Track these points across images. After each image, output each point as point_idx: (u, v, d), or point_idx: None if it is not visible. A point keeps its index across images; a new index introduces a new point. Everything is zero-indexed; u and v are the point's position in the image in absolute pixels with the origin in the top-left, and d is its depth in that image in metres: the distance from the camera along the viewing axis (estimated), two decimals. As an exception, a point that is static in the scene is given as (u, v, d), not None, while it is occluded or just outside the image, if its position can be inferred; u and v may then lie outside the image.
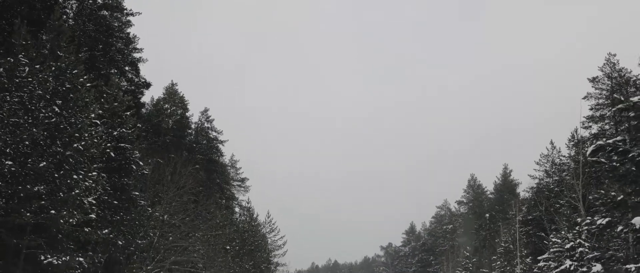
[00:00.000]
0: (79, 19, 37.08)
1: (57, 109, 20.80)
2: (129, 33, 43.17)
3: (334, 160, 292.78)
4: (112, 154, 27.31)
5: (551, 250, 36.17)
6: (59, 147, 20.61)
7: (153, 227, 32.55)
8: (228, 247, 50.09)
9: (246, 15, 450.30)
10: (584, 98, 48.32)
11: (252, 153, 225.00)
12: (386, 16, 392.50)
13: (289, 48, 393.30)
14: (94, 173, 22.82)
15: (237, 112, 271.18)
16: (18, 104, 19.49)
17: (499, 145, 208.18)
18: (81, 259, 21.82)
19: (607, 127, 46.55)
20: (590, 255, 31.55)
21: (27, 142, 19.32)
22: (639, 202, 21.10)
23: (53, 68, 21.43)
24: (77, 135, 21.40)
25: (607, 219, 23.71)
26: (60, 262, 20.47)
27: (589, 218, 32.93)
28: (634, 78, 45.38)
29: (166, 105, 57.75)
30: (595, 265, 29.25)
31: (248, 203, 72.42)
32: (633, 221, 20.23)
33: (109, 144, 26.96)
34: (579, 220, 35.81)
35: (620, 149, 20.52)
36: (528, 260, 46.53)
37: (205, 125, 63.27)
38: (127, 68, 43.45)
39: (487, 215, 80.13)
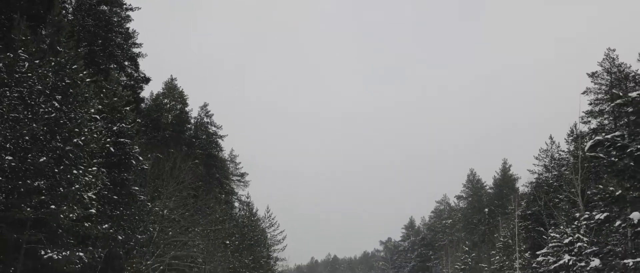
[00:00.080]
0: (78, 13, 37.06)
1: (56, 104, 20.81)
2: (128, 28, 43.16)
3: (334, 157, 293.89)
4: (111, 149, 27.37)
5: (550, 245, 36.29)
6: (58, 142, 20.64)
7: (153, 221, 32.64)
8: (227, 242, 50.20)
9: (246, 15, 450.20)
10: (583, 93, 48.39)
11: (252, 150, 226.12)
12: (386, 16, 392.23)
13: (289, 48, 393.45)
14: (94, 168, 22.86)
15: (237, 111, 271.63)
16: (18, 99, 19.51)
17: (499, 144, 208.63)
18: (81, 254, 21.88)
19: (606, 122, 46.57)
20: (589, 250, 31.66)
21: (27, 137, 19.35)
22: (637, 197, 21.16)
23: (53, 63, 21.43)
24: (76, 130, 21.42)
25: (605, 214, 23.80)
26: (60, 257, 20.54)
27: (588, 213, 33.04)
28: (633, 73, 45.39)
29: (165, 100, 57.73)
30: (593, 260, 29.37)
31: (247, 198, 72.58)
32: (631, 216, 20.31)
33: (108, 139, 27.01)
34: (577, 215, 35.92)
35: (619, 144, 20.57)
36: (527, 254, 46.65)
37: (205, 120, 63.29)
38: (126, 63, 43.44)
39: (486, 210, 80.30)
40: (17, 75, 19.79)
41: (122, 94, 30.42)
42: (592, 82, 48.07)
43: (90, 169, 22.34)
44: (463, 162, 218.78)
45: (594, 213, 27.23)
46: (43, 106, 20.25)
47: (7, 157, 18.59)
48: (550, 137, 54.83)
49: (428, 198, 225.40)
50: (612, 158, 21.50)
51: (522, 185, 70.21)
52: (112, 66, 39.25)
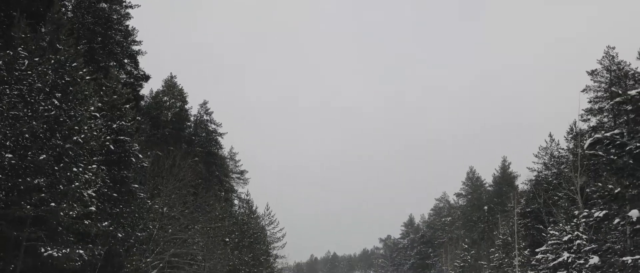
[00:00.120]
0: (78, 11, 37.05)
1: (56, 102, 20.84)
2: (127, 25, 43.17)
3: (334, 155, 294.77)
4: (111, 147, 27.38)
5: (549, 242, 36.33)
6: (58, 139, 20.67)
7: (152, 219, 32.66)
8: (227, 239, 50.23)
9: (246, 14, 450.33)
10: (583, 91, 48.40)
11: (252, 148, 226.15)
12: (386, 16, 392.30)
13: (289, 47, 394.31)
14: (94, 166, 22.88)
15: (237, 109, 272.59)
16: (17, 97, 19.53)
17: (499, 143, 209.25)
18: (81, 251, 21.90)
19: (605, 120, 46.57)
20: (588, 248, 31.70)
21: (26, 135, 19.37)
22: (636, 194, 21.19)
23: (52, 61, 21.45)
24: (76, 128, 21.44)
25: (604, 212, 23.84)
26: (60, 255, 20.56)
27: (587, 210, 33.07)
28: (633, 71, 45.40)
29: (165, 98, 57.78)
30: (592, 258, 29.41)
31: (247, 195, 72.62)
32: (630, 214, 20.35)
33: (108, 137, 27.02)
34: (576, 212, 35.96)
35: (618, 142, 20.60)
36: (526, 252, 46.69)
37: (204, 117, 63.32)
38: (126, 60, 43.46)
39: (486, 207, 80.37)
40: (16, 73, 19.81)
41: (121, 91, 30.43)
42: (591, 80, 48.11)
43: (90, 167, 22.36)
44: (462, 161, 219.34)
45: (593, 211, 27.28)
46: (43, 104, 20.27)
47: (7, 155, 18.61)
48: (550, 135, 54.90)
49: (427, 196, 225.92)
50: (611, 156, 21.53)
51: (521, 183, 70.33)
52: (111, 64, 39.27)
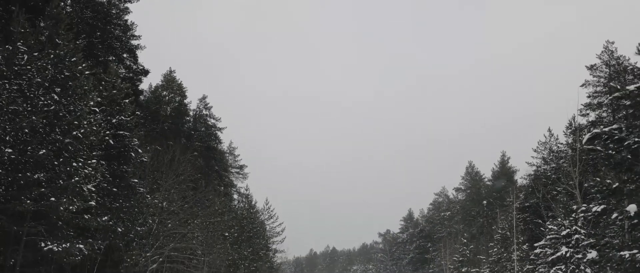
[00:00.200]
0: (77, 5, 36.98)
1: (56, 97, 20.87)
2: (126, 20, 43.13)
3: (333, 150, 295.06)
4: (111, 142, 27.44)
5: (547, 236, 36.37)
6: (58, 134, 20.71)
7: (152, 214, 32.75)
8: (227, 234, 50.35)
9: (246, 14, 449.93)
10: (582, 86, 48.40)
11: (251, 143, 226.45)
12: (386, 16, 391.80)
13: (289, 47, 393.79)
14: (93, 160, 22.94)
15: (237, 106, 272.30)
16: (17, 92, 19.56)
17: (498, 138, 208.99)
18: (81, 246, 21.99)
19: (604, 114, 46.58)
20: (586, 242, 31.78)
21: (26, 130, 19.40)
22: (634, 189, 21.22)
23: (52, 56, 21.46)
24: (76, 122, 21.48)
25: (602, 206, 23.88)
26: (60, 249, 20.64)
27: (585, 205, 33.13)
28: (631, 66, 45.38)
29: (164, 93, 57.72)
30: (590, 252, 29.48)
31: (246, 190, 72.69)
32: (628, 208, 20.36)
33: (108, 132, 27.08)
34: (575, 207, 36.01)
35: (616, 137, 20.61)
36: (525, 246, 46.75)
37: (204, 112, 63.29)
38: (125, 55, 43.44)
39: (485, 202, 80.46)
40: (16, 68, 19.83)
41: (121, 86, 30.45)
42: (590, 74, 48.10)
43: (89, 162, 22.42)
44: (462, 158, 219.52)
45: (591, 205, 27.33)
46: (42, 99, 20.30)
47: (6, 150, 18.65)
48: (549, 130, 54.96)
49: (427, 190, 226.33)
50: (610, 151, 21.56)
51: (520, 178, 70.46)
52: (110, 58, 39.26)
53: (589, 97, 47.93)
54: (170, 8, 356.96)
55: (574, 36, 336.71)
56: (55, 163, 20.33)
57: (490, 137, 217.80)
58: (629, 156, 20.59)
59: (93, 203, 22.78)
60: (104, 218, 24.86)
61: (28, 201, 19.20)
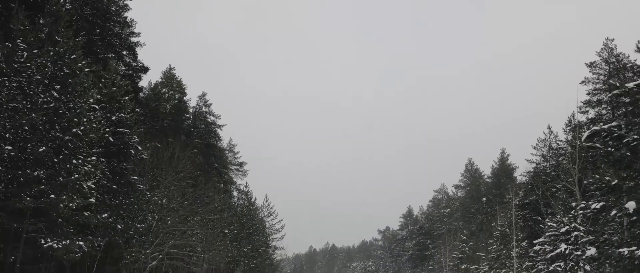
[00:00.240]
0: (76, 2, 36.90)
1: (55, 94, 20.87)
2: (126, 17, 43.10)
3: (333, 148, 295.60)
4: (110, 139, 27.44)
5: (547, 233, 36.41)
6: (58, 132, 20.72)
7: (152, 211, 32.78)
8: (226, 231, 50.41)
9: (246, 14, 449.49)
10: (582, 83, 48.35)
11: (252, 141, 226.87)
12: (386, 16, 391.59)
13: (289, 46, 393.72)
14: (93, 158, 22.96)
15: (237, 103, 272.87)
16: (17, 89, 19.56)
17: (497, 136, 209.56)
18: (81, 243, 22.02)
19: (604, 112, 46.53)
20: (585, 239, 31.83)
21: (26, 127, 19.42)
22: (633, 186, 21.25)
23: (51, 53, 21.47)
24: (75, 120, 21.50)
25: (601, 203, 23.89)
26: (60, 246, 20.67)
27: (584, 202, 33.16)
28: (631, 63, 45.37)
29: (164, 90, 57.72)
30: (589, 249, 29.49)
31: (246, 187, 72.76)
32: (627, 205, 20.37)
33: (107, 129, 27.08)
34: (574, 204, 36.05)
35: (615, 134, 20.66)
36: (524, 243, 46.81)
37: (203, 109, 63.29)
38: (124, 52, 43.41)
39: (484, 199, 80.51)
40: (15, 65, 19.83)
41: (120, 83, 30.45)
42: (590, 72, 48.05)
43: (89, 159, 22.44)
44: (462, 155, 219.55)
45: (590, 202, 27.34)
46: (42, 96, 20.31)
47: (6, 147, 18.66)
48: (549, 127, 54.98)
49: (426, 187, 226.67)
50: (609, 148, 21.60)
51: (520, 175, 70.46)
52: (110, 55, 39.23)
53: (588, 94, 47.91)
54: (170, 8, 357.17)
55: (574, 36, 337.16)
56: (55, 160, 20.35)
57: (490, 137, 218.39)
58: (628, 153, 20.63)
59: (93, 200, 22.82)
60: (103, 216, 24.89)
61: (28, 198, 19.22)
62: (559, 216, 36.83)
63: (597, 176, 25.86)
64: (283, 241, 78.33)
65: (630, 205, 20.39)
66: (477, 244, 68.78)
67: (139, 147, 30.64)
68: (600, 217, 28.54)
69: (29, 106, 19.72)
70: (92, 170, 22.60)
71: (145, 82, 53.91)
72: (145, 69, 45.97)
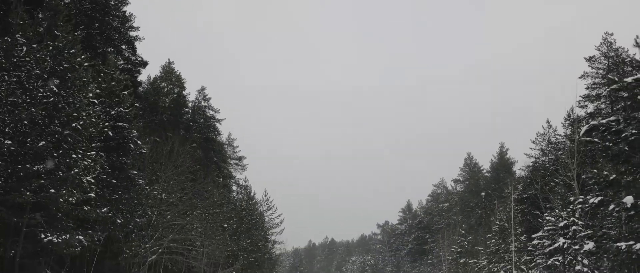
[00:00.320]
0: (75, -3, 36.89)
1: (55, 89, 20.88)
2: (125, 11, 43.07)
3: (332, 142, 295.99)
4: (110, 133, 27.48)
5: (545, 228, 36.53)
6: (57, 126, 20.74)
7: (151, 205, 32.82)
8: (225, 225, 50.45)
9: (246, 14, 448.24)
10: (581, 77, 48.37)
11: (251, 135, 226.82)
12: (386, 16, 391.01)
13: (289, 45, 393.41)
14: (93, 152, 22.99)
15: (236, 98, 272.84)
16: (16, 84, 19.56)
17: (497, 130, 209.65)
18: (81, 237, 22.08)
19: (603, 106, 46.55)
20: (583, 233, 31.93)
21: (25, 122, 19.43)
22: (631, 181, 21.33)
23: (50, 47, 21.46)
24: (75, 114, 21.52)
25: (599, 198, 23.99)
26: (60, 240, 20.73)
27: (582, 197, 33.27)
28: (630, 58, 45.34)
29: (163, 84, 57.68)
30: (587, 243, 29.63)
31: (245, 181, 72.79)
32: (625, 200, 20.44)
33: (106, 123, 27.10)
34: (572, 198, 36.14)
35: (614, 129, 20.71)
36: (522, 238, 46.92)
37: (202, 103, 63.26)
38: (123, 47, 43.39)
39: (483, 193, 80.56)
40: (15, 60, 19.82)
41: (119, 78, 30.44)
42: (589, 66, 48.05)
43: (88, 153, 22.47)
44: (461, 147, 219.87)
45: (588, 197, 27.44)
46: (41, 90, 20.31)
47: (6, 141, 18.68)
48: (547, 121, 55.00)
49: (425, 182, 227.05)
50: (607, 143, 21.65)
51: (519, 169, 70.55)
52: (109, 50, 39.18)
53: (587, 88, 47.93)
54: (169, 2, 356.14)
55: (574, 36, 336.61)
56: (55, 154, 20.37)
57: (490, 136, 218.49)
58: (626, 148, 20.69)
59: (92, 194, 22.86)
60: (103, 210, 24.94)
61: (28, 192, 19.26)
62: (557, 210, 36.93)
63: (595, 171, 25.91)
64: (282, 235, 78.45)
65: (628, 199, 20.47)
66: (475, 238, 68.85)
67: (138, 142, 30.66)
68: (599, 212, 28.67)
69: (28, 100, 19.74)
70: (92, 164, 22.64)
71: (144, 76, 53.96)
72: (144, 63, 45.96)
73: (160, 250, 34.03)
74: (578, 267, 32.50)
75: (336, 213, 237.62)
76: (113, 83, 29.51)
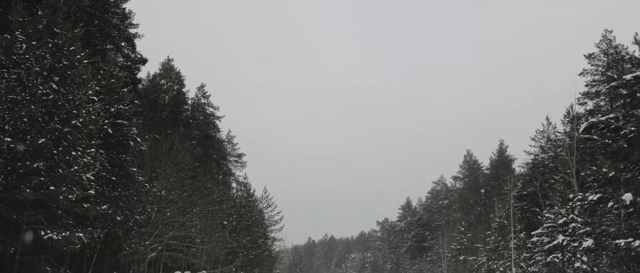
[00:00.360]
0: (74, -6, 36.84)
1: (54, 86, 20.89)
2: (124, 8, 43.02)
3: (332, 140, 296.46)
4: (109, 131, 27.49)
5: (544, 225, 36.59)
6: (57, 123, 20.76)
7: (151, 202, 32.85)
8: (225, 222, 50.51)
9: (247, 14, 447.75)
10: (580, 74, 48.36)
11: (251, 133, 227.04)
12: (386, 16, 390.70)
13: (289, 44, 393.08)
14: (92, 149, 23.00)
15: (237, 95, 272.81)
16: (16, 81, 19.57)
17: (497, 127, 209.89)
18: (80, 234, 22.10)
19: (602, 103, 46.58)
20: (582, 230, 31.98)
21: (25, 119, 19.45)
22: (630, 178, 21.32)
23: (50, 45, 21.46)
24: (75, 112, 21.53)
25: (598, 195, 23.98)
26: (60, 237, 20.76)
27: (581, 194, 33.30)
28: (629, 55, 45.34)
29: (162, 81, 57.69)
30: (586, 240, 29.66)
31: (245, 178, 72.84)
32: (624, 197, 20.45)
33: (106, 121, 27.11)
34: (571, 196, 36.18)
35: (613, 126, 20.71)
36: (522, 235, 47.00)
37: (202, 100, 63.28)
38: (123, 44, 43.34)
39: (483, 190, 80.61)
40: (14, 57, 19.83)
41: (119, 75, 30.43)
42: (589, 63, 48.04)
43: (88, 150, 22.49)
44: (460, 146, 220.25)
45: (587, 194, 27.45)
46: (41, 88, 20.32)
47: (6, 139, 18.70)
48: (547, 118, 55.08)
49: (425, 179, 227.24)
50: (606, 140, 21.64)
51: (518, 166, 70.59)
52: (108, 47, 39.16)
53: (587, 85, 47.93)
54: (169, 3, 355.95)
55: (574, 35, 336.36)
56: (55, 152, 20.39)
57: (490, 136, 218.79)
58: (625, 145, 20.69)
59: (92, 192, 22.89)
60: (103, 207, 24.97)
61: (28, 190, 19.28)
62: (556, 207, 36.97)
63: (594, 168, 25.90)
64: (282, 232, 78.54)
65: (627, 196, 20.49)
66: (475, 235, 68.93)
67: (138, 139, 30.68)
68: (598, 209, 28.69)
69: (28, 98, 19.75)
70: (92, 161, 22.66)
71: (143, 73, 53.97)
72: (143, 61, 45.93)
73: (160, 247, 34.08)
74: (577, 264, 32.57)
75: (335, 211, 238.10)
76: (112, 80, 29.51)
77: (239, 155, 76.53)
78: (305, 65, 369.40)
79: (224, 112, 67.53)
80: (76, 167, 20.99)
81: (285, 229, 79.01)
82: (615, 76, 23.44)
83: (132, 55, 44.68)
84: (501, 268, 48.54)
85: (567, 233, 33.36)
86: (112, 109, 28.61)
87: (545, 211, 40.32)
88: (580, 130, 23.00)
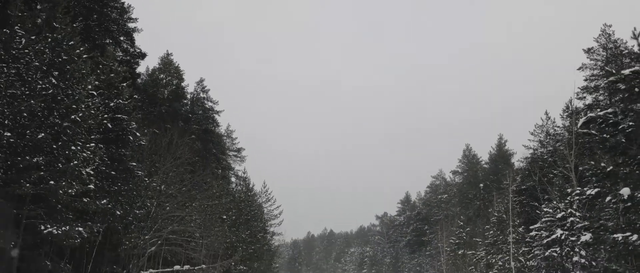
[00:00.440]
0: (73, -12, 36.77)
1: (54, 81, 20.90)
2: (123, 2, 42.98)
3: (331, 133, 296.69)
4: (109, 125, 27.51)
5: (543, 219, 36.67)
6: (56, 118, 20.78)
7: (150, 197, 32.91)
8: (224, 217, 50.59)
9: (247, 14, 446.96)
10: (579, 69, 48.43)
11: (250, 127, 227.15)
12: (386, 16, 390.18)
13: (289, 43, 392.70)
14: (92, 144, 23.04)
15: (236, 91, 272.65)
16: (15, 76, 19.57)
17: (496, 122, 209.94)
18: (80, 229, 22.14)
19: (601, 97, 46.67)
20: (581, 225, 32.07)
21: (25, 114, 19.47)
22: (628, 172, 21.37)
23: (49, 39, 21.46)
24: (74, 106, 21.55)
25: (596, 189, 24.01)
26: (59, 232, 20.81)
27: (580, 188, 33.37)
28: (628, 50, 45.37)
29: (161, 76, 57.69)
30: (585, 235, 29.73)
31: (244, 173, 72.93)
32: (622, 191, 20.47)
33: (105, 115, 27.12)
34: (570, 190, 36.27)
35: (611, 121, 20.73)
36: (521, 229, 47.09)
37: (201, 95, 63.31)
38: (122, 38, 43.32)
39: (481, 185, 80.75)
40: (14, 52, 19.83)
41: (118, 69, 30.44)
42: (588, 57, 48.12)
43: (88, 145, 22.52)
44: (460, 145, 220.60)
45: (586, 188, 27.51)
46: (40, 82, 20.33)
47: (5, 133, 18.73)
48: (546, 113, 55.12)
49: (424, 173, 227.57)
50: (605, 135, 21.68)
51: (517, 161, 70.72)
52: (107, 41, 39.15)
53: (586, 80, 48.03)
54: (169, 2, 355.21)
55: (574, 35, 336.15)
56: (54, 146, 20.42)
57: (490, 135, 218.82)
58: (623, 140, 20.73)
59: (92, 186, 22.92)
60: (102, 202, 25.00)
61: (27, 184, 19.33)
62: (555, 202, 37.06)
63: (593, 162, 25.99)
64: (281, 227, 78.79)
65: (625, 191, 20.53)
66: (474, 230, 69.02)
67: (137, 133, 30.70)
68: (596, 203, 28.80)
69: (27, 92, 19.75)
70: (91, 156, 22.69)
71: (142, 68, 53.93)
72: (142, 55, 45.93)
73: (159, 242, 34.17)
74: (575, 258, 32.70)
75: (335, 205, 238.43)
76: (112, 75, 29.51)
77: (238, 150, 76.62)
78: (305, 64, 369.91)
79: (222, 107, 67.49)
80: (76, 162, 21.03)
81: (284, 224, 79.31)
82: (614, 71, 23.45)
83: (131, 50, 44.67)
84: (500, 263, 48.65)
85: (565, 227, 33.46)
86: (112, 104, 28.62)
87: (543, 205, 40.39)
88: (579, 124, 22.98)
